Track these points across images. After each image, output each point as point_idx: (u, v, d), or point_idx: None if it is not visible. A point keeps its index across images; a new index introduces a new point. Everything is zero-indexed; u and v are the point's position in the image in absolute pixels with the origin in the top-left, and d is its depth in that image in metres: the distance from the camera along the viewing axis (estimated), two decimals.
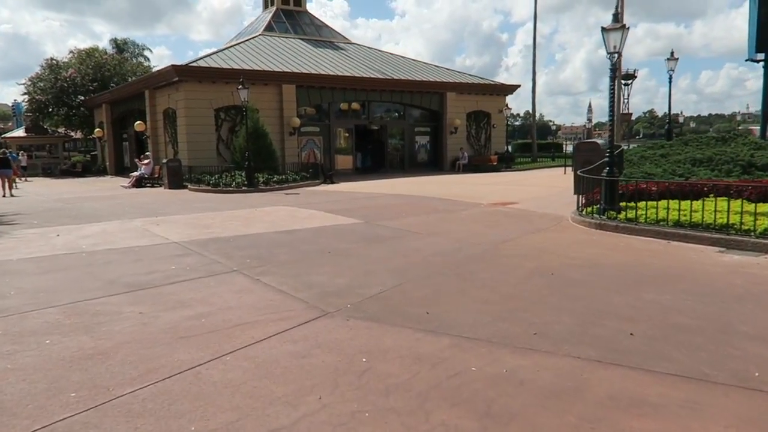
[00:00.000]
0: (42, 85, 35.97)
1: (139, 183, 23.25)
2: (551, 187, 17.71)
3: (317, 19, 34.03)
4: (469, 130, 31.89)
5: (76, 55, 37.64)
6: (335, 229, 10.58)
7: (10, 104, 54.08)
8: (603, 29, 10.39)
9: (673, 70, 21.74)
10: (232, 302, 5.80)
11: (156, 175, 23.56)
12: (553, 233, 9.79)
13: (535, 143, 34.25)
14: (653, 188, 10.92)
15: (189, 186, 21.13)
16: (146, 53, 49.66)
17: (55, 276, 7.07)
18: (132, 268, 7.39)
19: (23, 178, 27.92)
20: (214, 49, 26.83)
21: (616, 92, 12.41)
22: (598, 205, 10.62)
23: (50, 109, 35.93)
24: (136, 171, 24.25)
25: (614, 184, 10.56)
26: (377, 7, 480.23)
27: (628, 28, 10.65)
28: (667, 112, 25.57)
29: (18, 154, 30.98)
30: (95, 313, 5.46)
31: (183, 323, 5.14)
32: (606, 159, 10.76)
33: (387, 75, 29.13)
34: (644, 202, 10.19)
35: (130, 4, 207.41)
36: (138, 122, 26.73)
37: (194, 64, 24.22)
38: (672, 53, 21.67)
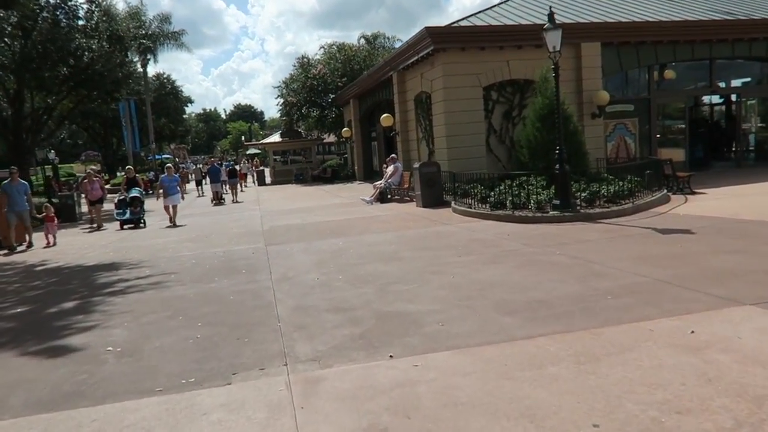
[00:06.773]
0: (294, 86, 32.37)
1: (382, 196, 16.21)
2: None
3: None
4: None
5: (326, 50, 33.37)
6: None
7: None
8: None
9: None
10: None
11: (405, 186, 16.25)
12: None
13: None
14: None
15: (453, 204, 13.06)
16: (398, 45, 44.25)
17: None
18: None
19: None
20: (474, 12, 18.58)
21: None
22: None
23: (302, 111, 32.12)
24: (381, 179, 17.36)
25: None
26: None
27: None
28: None
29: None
30: None
31: None
32: None
33: (740, 16, 17.47)
34: None
35: (389, 13, 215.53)
36: (384, 115, 19.87)
37: (455, 25, 16.20)
38: None
